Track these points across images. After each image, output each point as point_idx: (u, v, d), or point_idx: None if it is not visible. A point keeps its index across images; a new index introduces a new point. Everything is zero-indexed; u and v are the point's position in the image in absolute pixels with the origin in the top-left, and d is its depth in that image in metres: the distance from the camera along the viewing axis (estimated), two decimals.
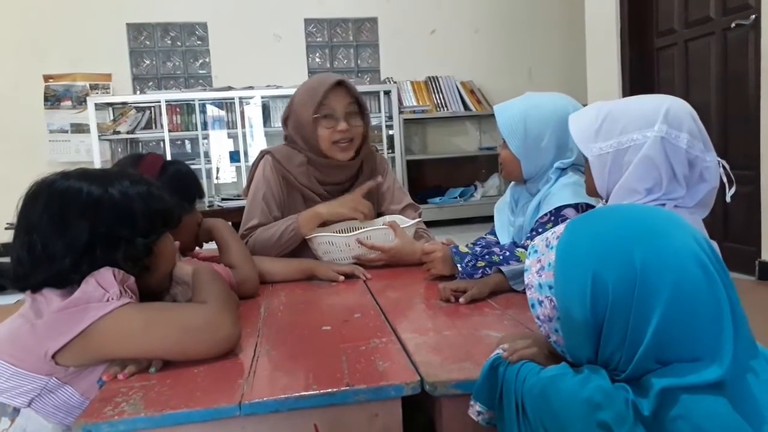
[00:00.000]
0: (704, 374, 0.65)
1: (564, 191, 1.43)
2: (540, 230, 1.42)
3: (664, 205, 1.11)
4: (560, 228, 0.79)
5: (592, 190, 1.22)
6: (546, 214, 1.43)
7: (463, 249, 1.46)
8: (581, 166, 1.39)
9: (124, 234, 1.01)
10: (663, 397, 0.65)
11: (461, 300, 1.25)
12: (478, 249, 1.45)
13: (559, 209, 1.42)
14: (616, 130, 1.13)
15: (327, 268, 1.59)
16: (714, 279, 0.68)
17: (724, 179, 1.14)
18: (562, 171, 1.47)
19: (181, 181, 1.41)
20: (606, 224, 0.74)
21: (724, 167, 1.14)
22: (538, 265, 0.79)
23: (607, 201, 1.19)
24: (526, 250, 1.39)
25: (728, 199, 1.15)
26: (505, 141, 1.50)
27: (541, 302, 0.78)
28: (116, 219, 1.00)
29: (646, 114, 1.11)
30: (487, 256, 1.40)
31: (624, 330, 0.69)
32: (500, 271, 1.33)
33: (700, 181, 1.12)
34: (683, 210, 1.12)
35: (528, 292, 0.80)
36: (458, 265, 1.40)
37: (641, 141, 1.10)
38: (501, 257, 1.41)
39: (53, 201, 0.99)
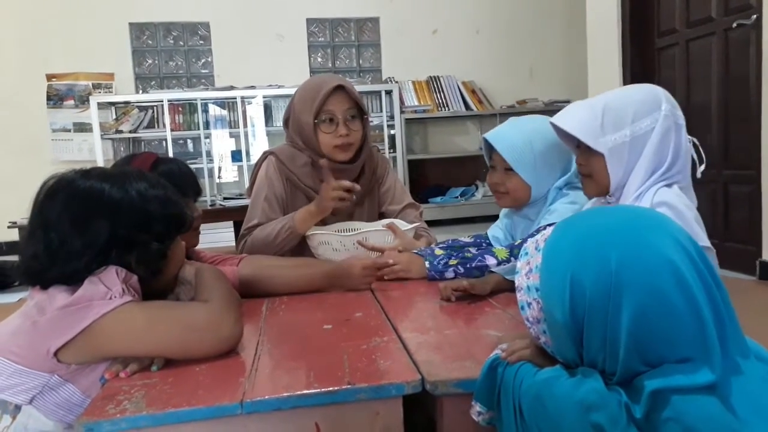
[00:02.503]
0: (696, 377, 0.65)
1: (566, 208, 1.44)
2: None
3: (671, 185, 1.15)
4: (549, 230, 0.79)
5: (604, 188, 1.22)
6: (545, 226, 1.44)
7: (438, 252, 1.50)
8: (576, 183, 1.42)
9: (142, 238, 1.01)
10: (654, 399, 0.65)
11: (464, 283, 1.26)
12: (448, 251, 1.49)
13: None
14: (627, 119, 1.16)
15: (359, 278, 1.41)
16: (687, 282, 0.67)
17: (694, 156, 1.20)
18: (560, 191, 1.49)
19: (173, 179, 1.40)
20: (588, 228, 0.75)
21: (695, 144, 1.20)
22: (527, 267, 0.79)
23: (622, 190, 1.20)
24: (505, 248, 1.42)
25: (698, 174, 1.20)
26: (509, 169, 1.47)
27: (529, 304, 0.78)
28: (135, 222, 1.00)
29: (649, 99, 1.17)
30: (459, 254, 1.44)
31: (603, 332, 0.69)
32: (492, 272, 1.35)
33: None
34: (686, 187, 1.17)
35: (518, 294, 0.80)
36: (426, 262, 1.44)
37: (652, 124, 1.15)
38: (475, 252, 1.44)
39: (74, 199, 0.99)
